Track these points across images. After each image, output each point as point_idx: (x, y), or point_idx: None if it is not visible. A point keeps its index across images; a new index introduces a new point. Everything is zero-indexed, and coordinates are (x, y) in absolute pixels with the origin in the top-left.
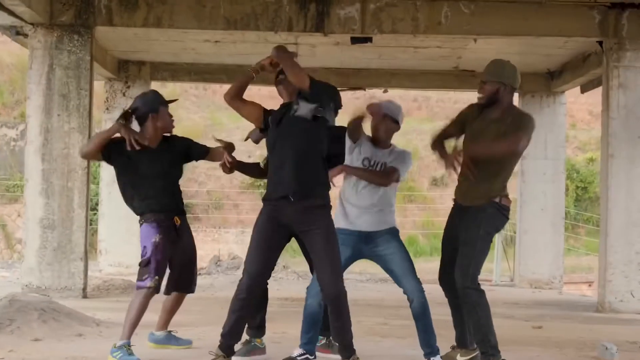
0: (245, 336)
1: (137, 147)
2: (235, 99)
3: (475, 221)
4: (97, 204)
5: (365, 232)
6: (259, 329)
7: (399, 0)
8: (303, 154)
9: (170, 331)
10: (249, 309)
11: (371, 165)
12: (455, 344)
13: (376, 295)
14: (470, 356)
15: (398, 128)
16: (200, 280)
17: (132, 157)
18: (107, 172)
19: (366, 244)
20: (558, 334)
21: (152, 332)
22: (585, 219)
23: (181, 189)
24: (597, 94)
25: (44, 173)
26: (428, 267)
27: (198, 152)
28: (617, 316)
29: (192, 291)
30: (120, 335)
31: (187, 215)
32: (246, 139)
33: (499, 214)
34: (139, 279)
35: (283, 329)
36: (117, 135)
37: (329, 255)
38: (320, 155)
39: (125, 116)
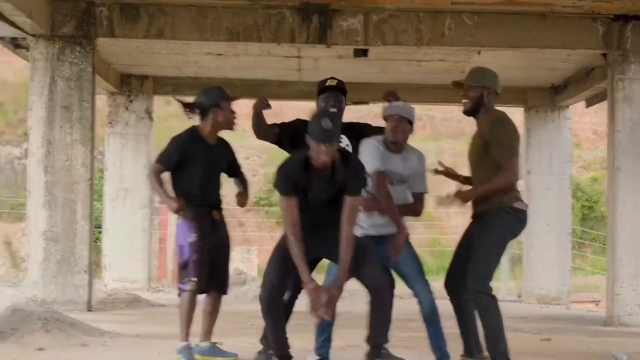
0: (260, 345)
1: None
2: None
3: (489, 225)
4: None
5: (377, 236)
6: None
7: (402, 12)
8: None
9: (215, 343)
10: (279, 315)
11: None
12: (462, 353)
13: None
14: None
15: (412, 130)
16: (204, 295)
17: (189, 150)
18: (110, 187)
19: (377, 246)
20: (567, 346)
21: (197, 344)
22: (591, 237)
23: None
24: (601, 113)
25: (47, 185)
26: (435, 286)
27: (232, 171)
28: (625, 329)
29: (226, 292)
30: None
31: None
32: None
33: (514, 217)
34: (180, 282)
35: (291, 341)
36: None
37: (369, 252)
38: None
39: (188, 107)
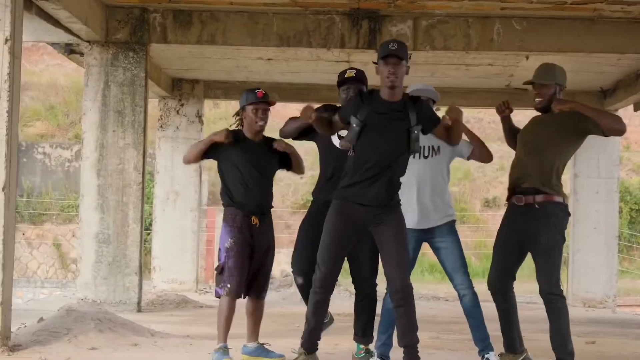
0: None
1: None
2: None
3: (550, 227)
4: (150, 224)
5: (424, 229)
6: None
7: (451, 17)
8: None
9: (262, 344)
10: (326, 304)
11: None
12: (502, 351)
13: (429, 312)
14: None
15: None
16: None
17: (231, 149)
18: (161, 190)
19: (425, 234)
20: (611, 350)
21: (245, 344)
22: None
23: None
24: None
25: (99, 188)
26: (481, 288)
27: (286, 163)
28: None
29: (261, 297)
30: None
31: None
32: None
33: (566, 215)
34: (217, 286)
35: (336, 341)
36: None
37: (397, 249)
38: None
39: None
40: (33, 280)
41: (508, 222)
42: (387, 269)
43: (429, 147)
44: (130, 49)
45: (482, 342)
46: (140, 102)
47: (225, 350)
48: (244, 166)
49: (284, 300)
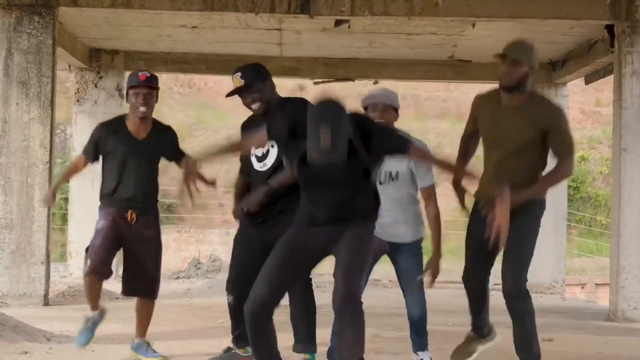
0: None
1: None
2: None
3: (535, 221)
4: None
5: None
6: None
7: None
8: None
9: (146, 341)
10: (269, 334)
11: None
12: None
13: (367, 301)
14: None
15: (398, 116)
16: (177, 284)
17: (109, 140)
18: None
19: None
20: (572, 348)
21: (133, 339)
22: (577, 219)
23: (160, 187)
24: (588, 92)
25: (1, 168)
26: None
27: (175, 155)
28: (631, 325)
29: (152, 297)
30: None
31: (171, 215)
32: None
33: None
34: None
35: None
36: None
37: (349, 251)
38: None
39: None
40: None
41: (480, 219)
42: (335, 270)
43: (385, 172)
44: (36, 13)
45: (421, 337)
46: (47, 72)
47: (88, 324)
48: (123, 158)
49: (210, 289)
